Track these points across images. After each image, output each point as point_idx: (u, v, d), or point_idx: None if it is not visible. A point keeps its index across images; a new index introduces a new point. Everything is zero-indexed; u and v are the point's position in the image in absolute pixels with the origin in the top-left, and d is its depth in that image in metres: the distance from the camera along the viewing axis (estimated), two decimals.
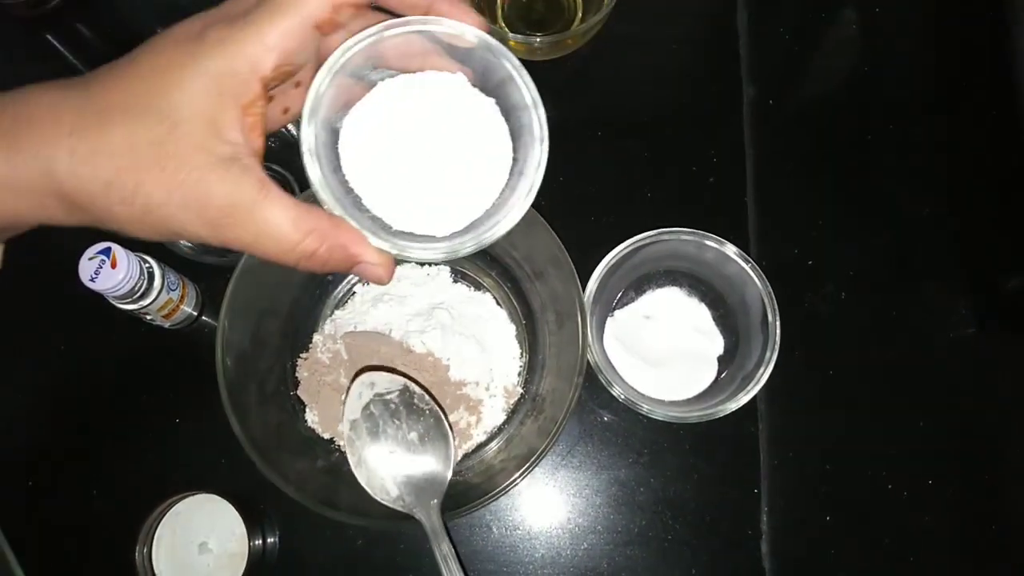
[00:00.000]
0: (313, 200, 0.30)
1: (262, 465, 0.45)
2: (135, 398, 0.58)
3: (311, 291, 0.57)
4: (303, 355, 0.55)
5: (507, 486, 0.46)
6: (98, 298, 0.51)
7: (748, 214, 0.60)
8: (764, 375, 0.51)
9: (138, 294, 0.51)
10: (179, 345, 0.58)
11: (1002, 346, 0.60)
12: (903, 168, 0.63)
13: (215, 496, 0.51)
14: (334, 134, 0.32)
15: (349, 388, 0.48)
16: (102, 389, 0.59)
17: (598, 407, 0.57)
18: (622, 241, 0.53)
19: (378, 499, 0.45)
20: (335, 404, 0.52)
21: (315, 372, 0.54)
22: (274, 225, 0.29)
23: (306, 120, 0.30)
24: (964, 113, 0.64)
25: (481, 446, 0.54)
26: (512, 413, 0.54)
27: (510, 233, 0.32)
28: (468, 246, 0.32)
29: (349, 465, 0.52)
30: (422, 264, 0.57)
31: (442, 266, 0.58)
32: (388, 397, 0.47)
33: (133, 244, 0.49)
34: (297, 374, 0.54)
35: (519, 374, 0.56)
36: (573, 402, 0.47)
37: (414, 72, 0.32)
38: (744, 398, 0.51)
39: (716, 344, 0.57)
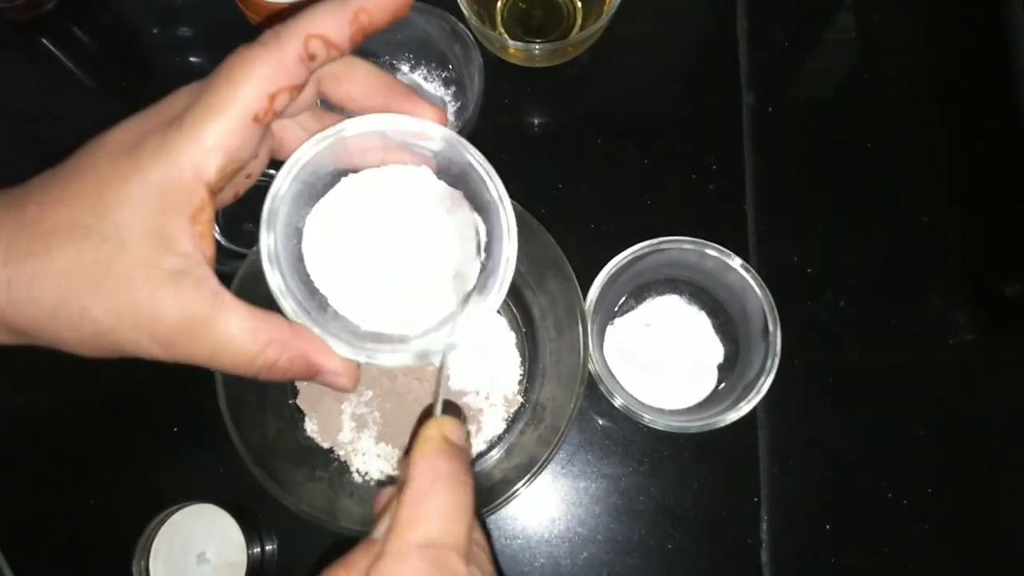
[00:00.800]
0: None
1: (260, 475, 0.45)
2: (133, 407, 0.57)
3: None
4: None
5: (509, 496, 0.46)
6: None
7: (748, 221, 0.60)
8: (765, 384, 0.51)
9: None
10: None
11: (1002, 353, 0.60)
12: (903, 175, 0.63)
13: (213, 506, 0.51)
14: (298, 233, 0.30)
15: None
16: (99, 398, 0.58)
17: (598, 415, 0.57)
18: (621, 248, 0.53)
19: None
20: (334, 413, 0.52)
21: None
22: (230, 338, 0.27)
23: (264, 227, 0.28)
24: (963, 120, 0.64)
25: (481, 455, 0.53)
26: (512, 422, 0.54)
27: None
28: (437, 351, 0.30)
29: (348, 475, 0.52)
30: None
31: None
32: None
33: None
34: (296, 383, 0.54)
35: (519, 383, 0.55)
36: (575, 412, 0.46)
37: (376, 166, 0.31)
38: (745, 407, 0.51)
39: (716, 352, 0.57)
